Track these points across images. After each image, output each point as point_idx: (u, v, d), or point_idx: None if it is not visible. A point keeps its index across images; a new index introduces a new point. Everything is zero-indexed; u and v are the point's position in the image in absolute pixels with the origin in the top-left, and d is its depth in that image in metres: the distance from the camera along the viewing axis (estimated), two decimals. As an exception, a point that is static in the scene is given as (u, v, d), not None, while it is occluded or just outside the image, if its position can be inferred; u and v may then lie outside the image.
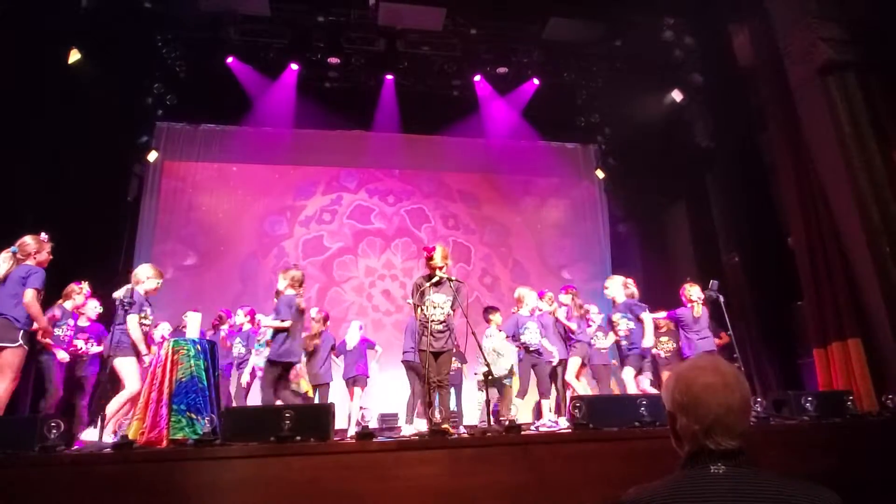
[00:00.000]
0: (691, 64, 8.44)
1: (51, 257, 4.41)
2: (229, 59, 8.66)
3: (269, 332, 4.91)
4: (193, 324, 4.59)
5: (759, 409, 3.88)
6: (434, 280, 4.34)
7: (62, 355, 5.25)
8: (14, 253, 4.18)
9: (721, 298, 5.75)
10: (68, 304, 5.62)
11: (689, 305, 5.91)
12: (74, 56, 7.05)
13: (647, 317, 5.79)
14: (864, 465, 3.43)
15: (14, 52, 5.89)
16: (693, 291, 5.90)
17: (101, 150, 7.49)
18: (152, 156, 9.36)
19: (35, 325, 4.20)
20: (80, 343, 5.76)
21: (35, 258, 4.25)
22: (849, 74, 5.67)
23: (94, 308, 5.98)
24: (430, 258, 4.39)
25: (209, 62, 8.70)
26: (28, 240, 4.26)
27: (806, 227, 5.92)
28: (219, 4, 7.79)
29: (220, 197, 9.88)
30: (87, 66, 7.22)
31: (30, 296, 4.09)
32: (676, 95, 8.94)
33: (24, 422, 3.40)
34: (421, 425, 5.34)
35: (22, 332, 4.03)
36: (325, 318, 6.91)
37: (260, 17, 8.02)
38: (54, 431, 3.04)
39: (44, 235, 4.40)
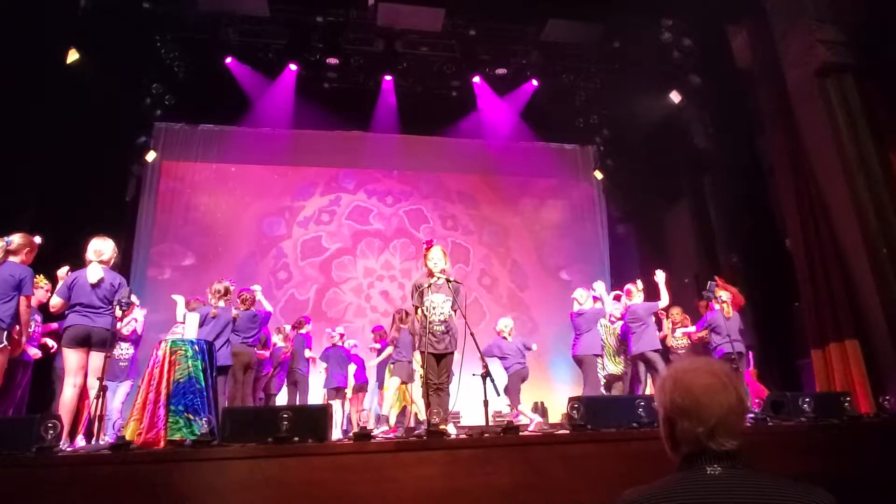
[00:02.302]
0: (690, 65, 8.45)
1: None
2: (228, 60, 8.66)
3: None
4: (191, 324, 4.58)
5: (756, 410, 3.88)
6: (433, 280, 4.34)
7: (33, 352, 5.09)
8: (6, 245, 4.09)
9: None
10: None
11: (717, 308, 5.84)
12: (73, 56, 7.04)
13: None
14: (862, 466, 3.43)
15: (13, 53, 5.88)
16: (722, 294, 5.85)
17: (99, 150, 7.47)
18: (150, 156, 9.35)
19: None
20: (50, 342, 5.49)
21: (23, 257, 4.16)
22: (846, 77, 5.69)
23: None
24: (427, 251, 4.39)
25: (208, 62, 8.69)
26: (21, 239, 4.16)
27: (804, 228, 5.93)
28: (218, 5, 7.79)
29: (218, 197, 9.88)
30: (86, 66, 7.21)
31: (26, 304, 4.05)
32: (675, 97, 8.96)
33: (20, 422, 3.38)
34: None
35: (6, 332, 3.95)
36: (285, 336, 7.13)
37: (259, 17, 8.02)
38: (51, 432, 3.03)
39: (38, 238, 4.33)
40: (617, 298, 6.59)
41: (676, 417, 1.25)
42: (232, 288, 5.63)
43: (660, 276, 6.07)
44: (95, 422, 3.88)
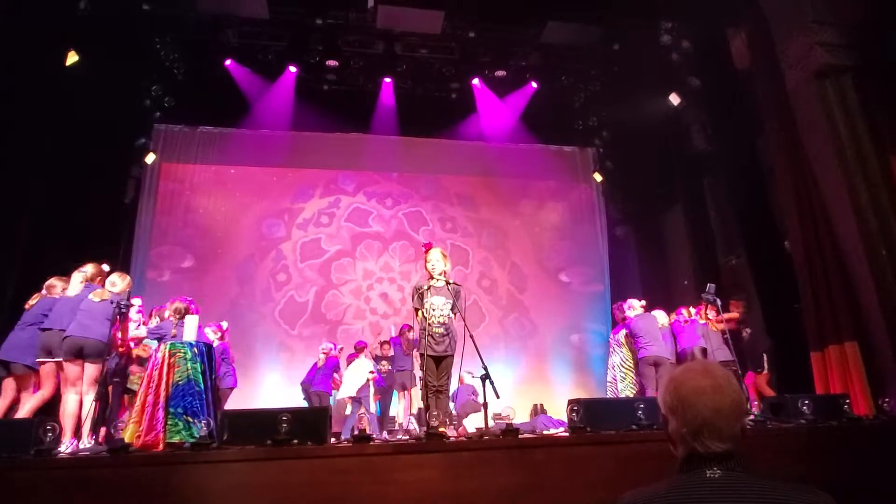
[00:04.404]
0: (688, 67, 8.47)
1: None
2: (227, 62, 8.67)
3: None
4: (191, 327, 4.57)
5: (755, 413, 3.88)
6: (432, 282, 4.33)
7: None
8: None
9: (718, 301, 5.79)
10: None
11: (706, 324, 6.41)
12: (72, 58, 7.04)
13: None
14: (861, 468, 3.43)
15: (12, 54, 5.88)
16: (711, 314, 6.46)
17: (98, 152, 7.47)
18: (150, 158, 9.33)
19: None
20: None
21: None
22: (845, 78, 5.69)
23: None
24: (426, 254, 4.40)
25: (207, 64, 8.70)
26: (94, 268, 4.77)
27: (803, 230, 5.92)
28: (217, 7, 7.80)
29: (217, 199, 9.87)
30: (85, 67, 7.21)
31: None
32: (674, 99, 8.97)
33: (19, 425, 3.38)
34: None
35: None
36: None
37: (258, 19, 8.02)
38: (50, 435, 3.02)
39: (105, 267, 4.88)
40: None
41: (668, 415, 1.28)
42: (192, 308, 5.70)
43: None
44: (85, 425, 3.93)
